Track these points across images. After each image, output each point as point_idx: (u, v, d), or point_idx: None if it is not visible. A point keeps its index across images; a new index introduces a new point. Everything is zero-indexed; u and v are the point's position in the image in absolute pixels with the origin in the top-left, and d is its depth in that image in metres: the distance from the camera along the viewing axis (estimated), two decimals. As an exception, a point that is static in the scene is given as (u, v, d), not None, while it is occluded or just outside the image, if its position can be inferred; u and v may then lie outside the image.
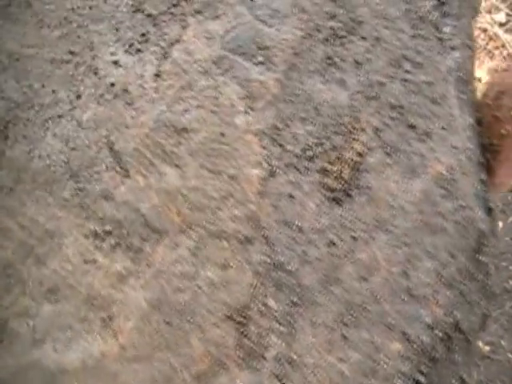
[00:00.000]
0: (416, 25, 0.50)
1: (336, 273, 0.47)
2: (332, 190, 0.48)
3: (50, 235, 0.53)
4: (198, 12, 0.51)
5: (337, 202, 0.48)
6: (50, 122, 0.54)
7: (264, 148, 0.49)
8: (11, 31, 0.56)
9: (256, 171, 0.49)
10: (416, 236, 0.47)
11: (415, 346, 0.46)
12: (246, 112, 0.49)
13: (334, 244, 0.47)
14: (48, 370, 0.51)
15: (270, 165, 0.49)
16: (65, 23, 0.54)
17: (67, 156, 0.53)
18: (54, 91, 0.54)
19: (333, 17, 0.50)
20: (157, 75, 0.51)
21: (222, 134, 0.49)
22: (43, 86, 0.55)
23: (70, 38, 0.54)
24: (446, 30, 0.51)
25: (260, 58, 0.50)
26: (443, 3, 0.51)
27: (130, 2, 0.53)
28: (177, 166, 0.50)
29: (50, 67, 0.55)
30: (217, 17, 0.51)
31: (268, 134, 0.49)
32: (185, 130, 0.50)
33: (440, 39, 0.50)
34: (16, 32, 0.56)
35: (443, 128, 0.48)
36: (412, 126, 0.48)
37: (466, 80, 0.51)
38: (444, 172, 0.48)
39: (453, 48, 0.51)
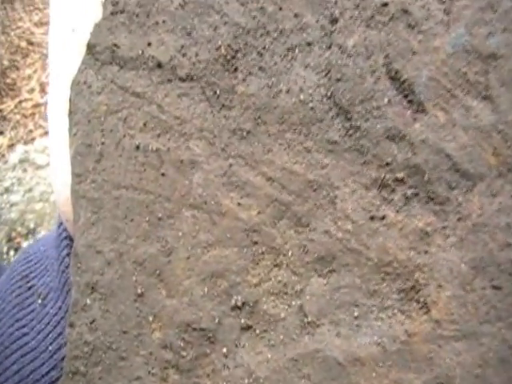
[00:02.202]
0: None
1: None
2: None
3: (314, 188, 0.41)
4: None
5: None
6: (296, 50, 0.43)
7: None
8: None
9: None
10: None
11: None
12: None
13: None
14: (333, 361, 0.39)
15: None
16: None
17: (330, 89, 0.42)
18: (296, 15, 0.43)
19: None
20: None
21: None
22: (280, 9, 0.44)
23: None
24: None
25: None
26: None
27: None
28: (486, 97, 0.41)
29: None
30: None
31: None
32: (492, 56, 0.41)
33: None
34: None
35: None
36: None
37: None
38: None
39: None
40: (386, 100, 0.41)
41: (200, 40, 0.44)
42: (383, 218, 0.40)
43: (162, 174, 0.42)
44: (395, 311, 0.39)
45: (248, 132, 0.42)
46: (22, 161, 3.05)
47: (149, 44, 0.45)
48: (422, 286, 0.39)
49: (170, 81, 0.44)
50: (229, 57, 0.43)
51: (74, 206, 0.45)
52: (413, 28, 0.42)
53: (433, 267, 0.39)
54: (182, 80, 0.44)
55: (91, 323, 0.42)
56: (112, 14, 0.46)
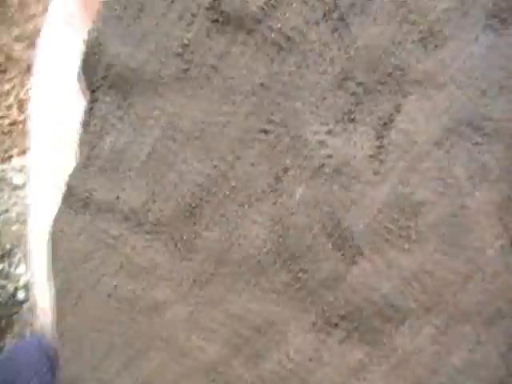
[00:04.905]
0: None
1: None
2: None
3: (267, 325, 0.48)
4: (417, 82, 0.49)
5: None
6: (251, 201, 0.49)
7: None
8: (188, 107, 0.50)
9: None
10: None
11: None
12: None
13: None
14: None
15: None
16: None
17: (279, 239, 0.48)
18: (252, 167, 0.49)
19: None
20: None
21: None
22: (234, 166, 0.49)
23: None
24: None
25: (479, 139, 0.47)
26: None
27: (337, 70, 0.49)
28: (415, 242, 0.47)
29: (238, 146, 0.49)
30: (437, 89, 0.48)
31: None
32: (420, 204, 0.47)
33: None
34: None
35: None
36: None
37: None
38: None
39: None
40: (329, 247, 0.47)
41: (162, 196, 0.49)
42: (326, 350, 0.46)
43: (132, 319, 0.48)
44: None
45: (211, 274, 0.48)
46: (-2, 180, 3.03)
47: (122, 190, 0.50)
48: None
49: (140, 226, 0.49)
50: (193, 205, 0.49)
51: (59, 338, 0.50)
52: (349, 184, 0.48)
53: None
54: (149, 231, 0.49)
55: None
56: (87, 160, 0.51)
